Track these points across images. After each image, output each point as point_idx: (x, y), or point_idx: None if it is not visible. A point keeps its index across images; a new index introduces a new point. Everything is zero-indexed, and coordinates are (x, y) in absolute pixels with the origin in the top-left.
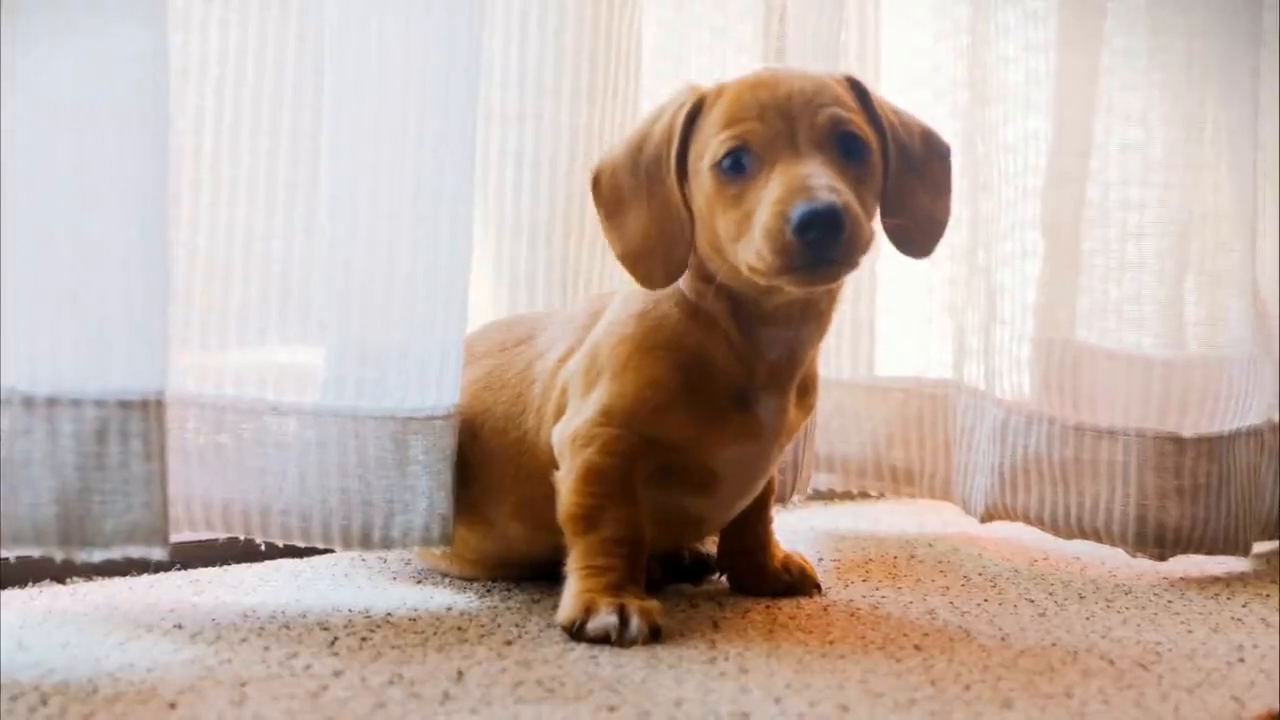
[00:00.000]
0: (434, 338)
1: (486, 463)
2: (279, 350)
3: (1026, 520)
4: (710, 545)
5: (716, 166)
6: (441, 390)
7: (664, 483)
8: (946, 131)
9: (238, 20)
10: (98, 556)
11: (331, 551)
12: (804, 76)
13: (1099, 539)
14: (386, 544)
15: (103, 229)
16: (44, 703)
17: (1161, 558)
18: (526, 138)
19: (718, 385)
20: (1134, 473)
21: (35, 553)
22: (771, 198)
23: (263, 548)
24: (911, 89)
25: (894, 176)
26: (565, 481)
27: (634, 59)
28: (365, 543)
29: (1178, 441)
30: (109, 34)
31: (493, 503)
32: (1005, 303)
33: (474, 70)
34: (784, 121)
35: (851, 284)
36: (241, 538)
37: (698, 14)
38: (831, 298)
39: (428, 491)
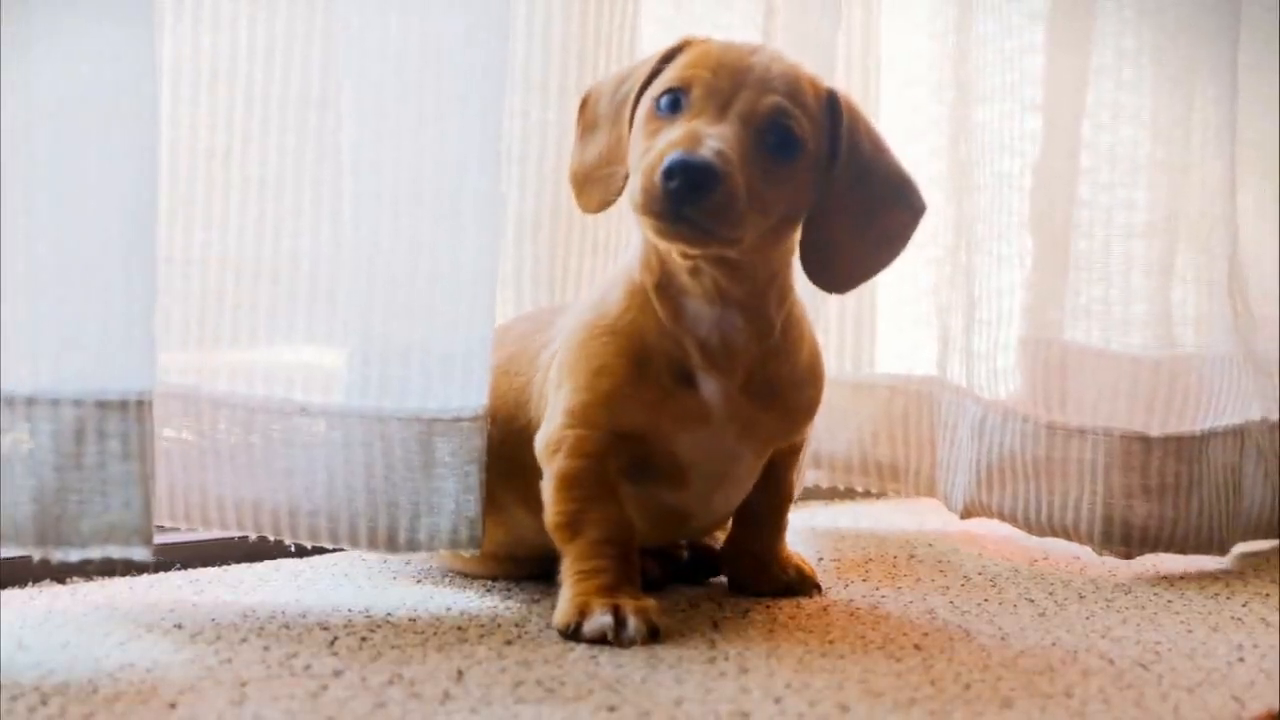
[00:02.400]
0: (459, 337)
1: (499, 447)
2: (306, 349)
3: (1001, 517)
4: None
5: (655, 100)
6: (468, 391)
7: (639, 477)
8: (943, 132)
9: (265, 18)
10: (74, 556)
11: (336, 551)
12: (779, 61)
13: (1068, 537)
14: (413, 546)
15: (85, 229)
16: (44, 703)
17: (1128, 556)
18: (514, 135)
19: (658, 363)
20: (1101, 471)
21: (12, 551)
22: (664, 141)
23: (292, 547)
24: (908, 88)
25: (834, 200)
26: (546, 490)
27: (627, 57)
28: (392, 545)
29: (1145, 441)
30: (93, 34)
31: (503, 488)
32: (984, 300)
33: (498, 67)
34: (730, 85)
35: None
36: (271, 538)
37: (699, 14)
38: (751, 291)
39: (454, 494)
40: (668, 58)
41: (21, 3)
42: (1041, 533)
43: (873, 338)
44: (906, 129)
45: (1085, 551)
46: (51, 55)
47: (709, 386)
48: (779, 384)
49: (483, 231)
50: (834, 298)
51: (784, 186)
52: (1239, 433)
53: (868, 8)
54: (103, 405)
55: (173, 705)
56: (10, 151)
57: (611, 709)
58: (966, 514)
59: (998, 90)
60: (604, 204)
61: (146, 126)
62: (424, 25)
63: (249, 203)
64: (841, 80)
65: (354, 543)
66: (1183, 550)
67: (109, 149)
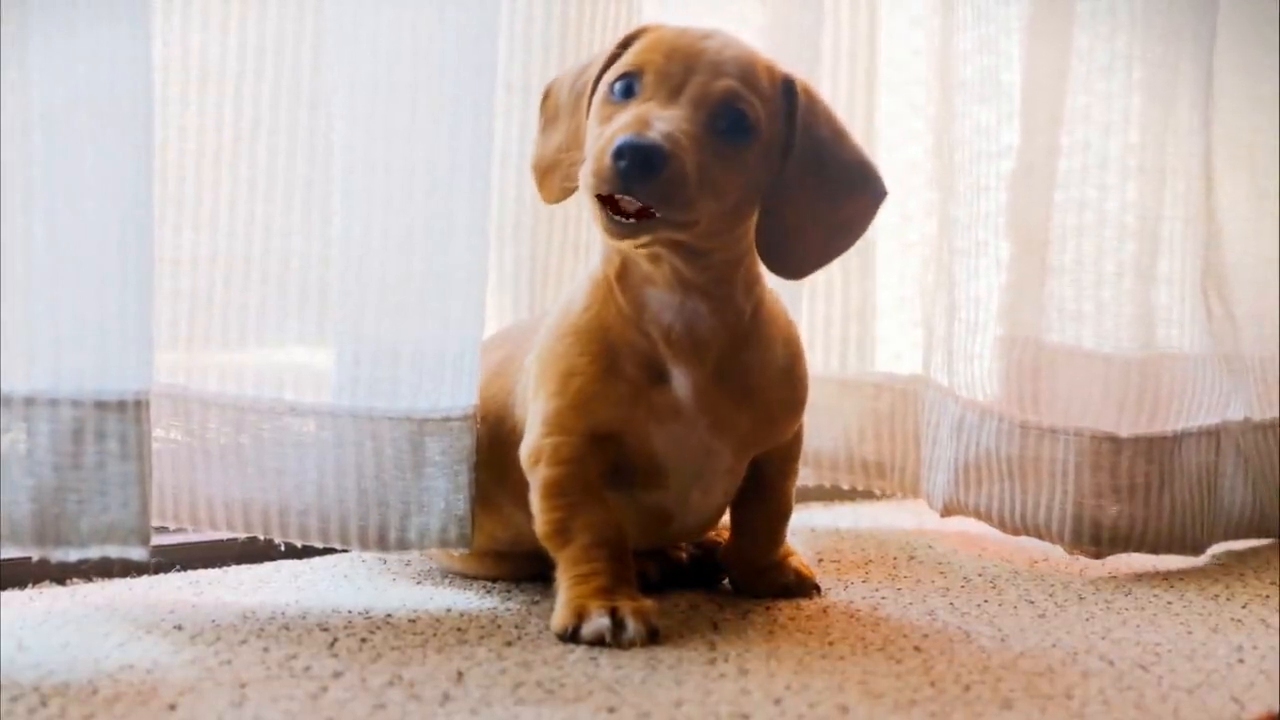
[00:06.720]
0: (449, 337)
1: (492, 448)
2: (297, 349)
3: (978, 516)
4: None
5: (609, 86)
6: (458, 391)
7: (619, 480)
8: (934, 132)
9: (256, 17)
10: (74, 556)
11: (334, 552)
12: (731, 46)
13: (1040, 536)
14: (403, 545)
15: (82, 229)
16: (44, 704)
17: (1098, 555)
18: (495, 135)
19: (626, 358)
20: (1072, 471)
21: (11, 551)
22: (616, 125)
23: (282, 547)
24: (907, 87)
25: (790, 185)
26: (533, 501)
27: None
28: (382, 544)
29: (1115, 441)
30: (90, 33)
31: (498, 487)
32: (964, 299)
33: (490, 68)
34: (683, 68)
35: (828, 280)
36: (261, 537)
37: (694, 16)
38: (715, 278)
39: (444, 493)
40: (625, 44)
41: (20, 2)
42: (1015, 532)
43: (861, 336)
44: (905, 130)
45: None
46: (49, 55)
47: (679, 379)
48: (752, 379)
49: (473, 232)
50: (822, 295)
51: (737, 170)
52: (1215, 433)
53: (867, 6)
54: (101, 405)
55: (173, 706)
56: (8, 151)
57: (611, 710)
58: (946, 512)
59: (991, 93)
60: (564, 193)
61: (143, 126)
62: (415, 25)
63: (239, 203)
64: (831, 76)
65: (344, 541)
66: (1155, 550)
67: (106, 148)
